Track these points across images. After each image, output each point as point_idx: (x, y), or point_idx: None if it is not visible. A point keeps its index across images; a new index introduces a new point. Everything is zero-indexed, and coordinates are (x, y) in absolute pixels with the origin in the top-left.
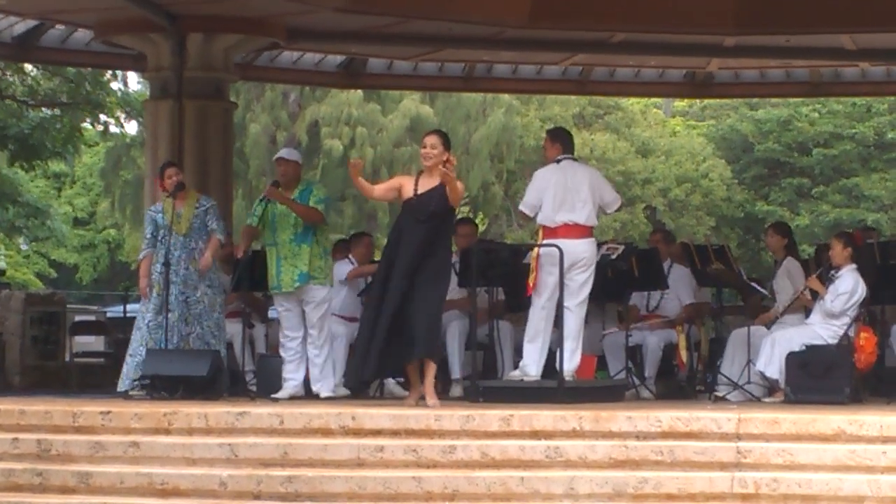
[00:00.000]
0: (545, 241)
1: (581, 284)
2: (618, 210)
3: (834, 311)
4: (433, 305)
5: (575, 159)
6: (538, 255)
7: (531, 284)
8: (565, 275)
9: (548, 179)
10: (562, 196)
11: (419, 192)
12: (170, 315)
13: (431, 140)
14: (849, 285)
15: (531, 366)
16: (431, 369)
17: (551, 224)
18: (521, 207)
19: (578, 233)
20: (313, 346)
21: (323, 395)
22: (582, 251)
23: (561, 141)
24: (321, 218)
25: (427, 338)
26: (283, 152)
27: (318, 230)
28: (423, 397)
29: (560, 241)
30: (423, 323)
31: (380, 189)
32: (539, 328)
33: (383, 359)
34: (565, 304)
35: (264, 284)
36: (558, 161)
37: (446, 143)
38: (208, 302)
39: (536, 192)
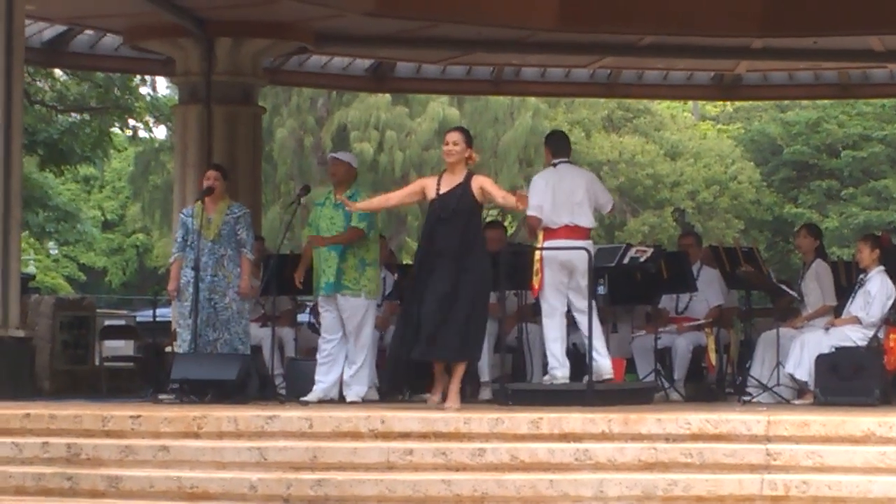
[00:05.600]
0: (547, 244)
1: (586, 286)
2: (610, 211)
3: (874, 320)
4: (474, 306)
5: (571, 163)
6: (541, 258)
7: (535, 287)
8: (571, 278)
9: (545, 182)
10: (561, 199)
11: (441, 191)
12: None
13: (454, 137)
14: (881, 288)
15: (557, 368)
16: (459, 372)
17: (552, 225)
18: (530, 212)
19: (579, 234)
20: (349, 354)
21: (349, 399)
22: (583, 255)
23: (552, 146)
24: (361, 234)
25: (464, 340)
26: (338, 153)
27: (359, 242)
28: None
29: (561, 242)
30: (461, 324)
31: (398, 195)
32: (555, 330)
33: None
34: (578, 306)
35: (292, 288)
36: (555, 165)
37: (468, 139)
38: (236, 308)
39: (539, 195)
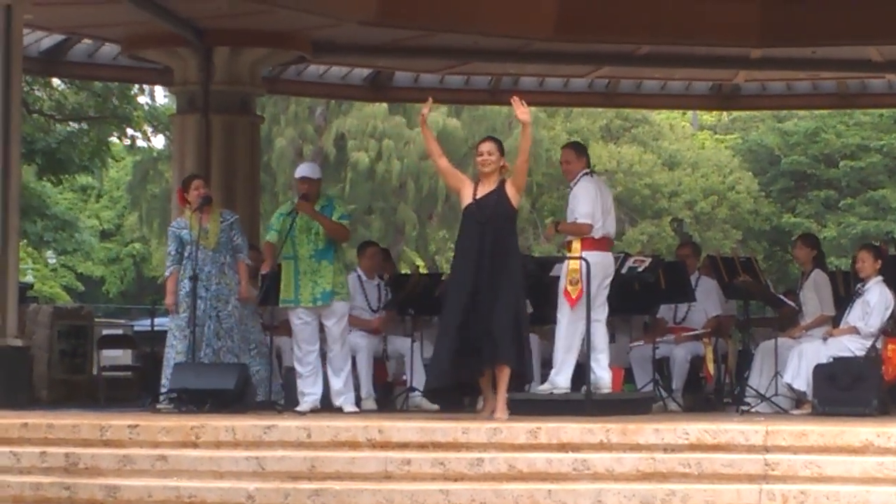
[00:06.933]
0: (586, 254)
1: (606, 297)
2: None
3: (872, 331)
4: (516, 309)
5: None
6: (583, 268)
7: (574, 297)
8: (598, 287)
9: (596, 191)
10: (605, 208)
11: (478, 196)
12: (201, 329)
13: (488, 147)
14: (880, 298)
15: (562, 378)
16: (505, 378)
17: (596, 235)
18: (586, 220)
19: (610, 245)
20: (336, 361)
21: (346, 409)
22: (613, 264)
23: (587, 155)
24: (348, 234)
25: (513, 343)
26: (307, 170)
27: (338, 246)
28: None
29: (602, 254)
30: (507, 328)
31: (445, 162)
32: (576, 340)
33: (459, 367)
34: (597, 317)
35: None
36: (591, 174)
37: (501, 149)
38: (238, 315)
39: (592, 203)
